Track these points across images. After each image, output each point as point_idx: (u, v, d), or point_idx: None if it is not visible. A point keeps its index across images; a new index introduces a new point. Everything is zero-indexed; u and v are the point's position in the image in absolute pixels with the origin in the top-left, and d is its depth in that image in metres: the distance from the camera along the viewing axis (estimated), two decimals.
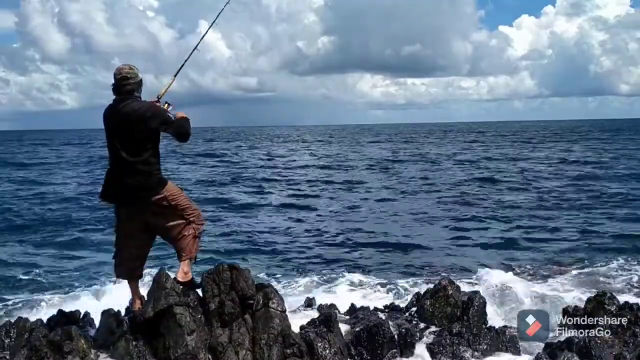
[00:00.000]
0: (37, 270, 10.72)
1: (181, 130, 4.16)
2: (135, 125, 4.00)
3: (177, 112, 4.29)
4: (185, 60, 4.80)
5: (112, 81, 4.09)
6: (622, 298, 7.91)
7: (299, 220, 16.42)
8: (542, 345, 5.55)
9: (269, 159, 42.06)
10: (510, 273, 10.34)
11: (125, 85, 4.08)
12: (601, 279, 9.85)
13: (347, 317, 6.67)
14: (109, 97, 4.14)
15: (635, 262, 10.60)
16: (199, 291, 4.60)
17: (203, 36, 5.09)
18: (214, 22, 5.23)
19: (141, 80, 4.18)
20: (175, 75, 4.61)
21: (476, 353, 5.17)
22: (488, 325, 5.71)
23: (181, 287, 4.41)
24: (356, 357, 5.03)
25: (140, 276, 4.51)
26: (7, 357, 4.42)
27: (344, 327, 5.69)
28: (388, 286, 9.58)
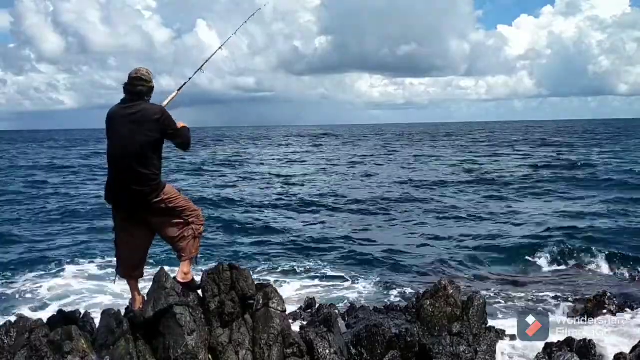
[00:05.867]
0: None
1: (186, 139, 4.18)
2: (143, 127, 3.95)
3: (178, 122, 4.26)
4: (211, 56, 4.84)
5: (125, 80, 4.04)
6: (622, 298, 7.93)
7: (299, 221, 16.43)
8: (542, 345, 5.55)
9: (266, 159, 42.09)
10: (510, 273, 10.37)
11: (138, 85, 4.02)
12: (603, 278, 9.87)
13: (347, 317, 6.68)
14: (107, 97, 4.07)
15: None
16: (199, 291, 4.60)
17: (229, 38, 5.05)
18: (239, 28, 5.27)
19: (153, 87, 4.14)
20: (197, 71, 4.67)
21: (476, 353, 5.17)
22: (488, 325, 5.72)
23: (181, 287, 4.41)
24: (356, 357, 5.03)
25: (141, 276, 4.49)
26: (7, 357, 4.42)
27: (344, 327, 5.70)
28: (388, 286, 9.60)
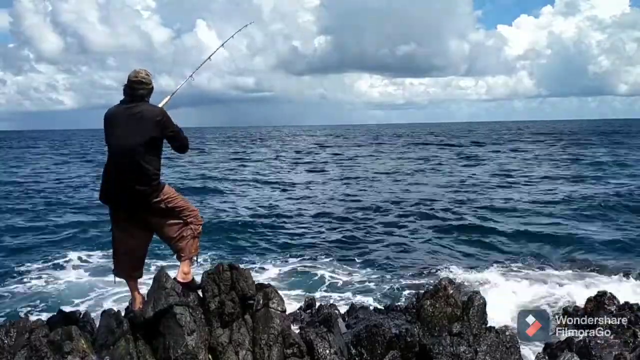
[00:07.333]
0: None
1: (184, 142, 4.23)
2: (144, 127, 3.95)
3: None
4: (200, 66, 4.98)
5: (125, 82, 4.05)
6: (622, 298, 7.92)
7: (298, 222, 16.42)
8: (542, 345, 5.55)
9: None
10: (511, 273, 10.36)
11: (139, 89, 4.03)
12: (601, 278, 9.86)
13: (347, 317, 6.68)
14: (107, 97, 4.08)
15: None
16: (199, 291, 4.60)
17: (219, 47, 5.28)
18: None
19: (152, 88, 4.16)
20: (185, 80, 4.80)
21: (476, 353, 5.16)
22: (488, 325, 5.71)
23: (181, 287, 4.41)
24: (356, 357, 5.03)
25: (140, 276, 4.50)
26: (7, 357, 4.42)
27: (343, 327, 5.69)
28: (388, 286, 9.60)
